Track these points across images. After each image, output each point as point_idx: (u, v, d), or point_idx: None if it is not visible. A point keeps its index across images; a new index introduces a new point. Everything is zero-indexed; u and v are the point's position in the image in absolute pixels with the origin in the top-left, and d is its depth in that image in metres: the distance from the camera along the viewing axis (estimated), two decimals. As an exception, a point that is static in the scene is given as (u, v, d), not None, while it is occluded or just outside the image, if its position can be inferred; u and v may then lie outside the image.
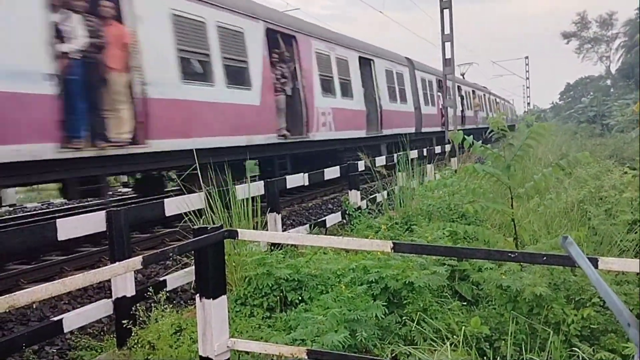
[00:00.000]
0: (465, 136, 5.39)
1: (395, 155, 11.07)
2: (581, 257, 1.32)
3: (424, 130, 21.98)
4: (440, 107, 24.08)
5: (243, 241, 5.47)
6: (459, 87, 26.79)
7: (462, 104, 29.19)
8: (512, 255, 2.64)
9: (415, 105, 21.16)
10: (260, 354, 3.65)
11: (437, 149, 14.87)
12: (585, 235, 5.95)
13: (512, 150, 5.33)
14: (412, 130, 20.17)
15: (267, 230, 6.64)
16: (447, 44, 18.68)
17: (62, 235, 4.20)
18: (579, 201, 7.40)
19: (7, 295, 2.21)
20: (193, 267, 4.14)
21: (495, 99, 45.31)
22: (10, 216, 12.29)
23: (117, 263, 2.77)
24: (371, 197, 10.12)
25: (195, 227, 3.25)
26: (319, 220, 8.66)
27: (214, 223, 5.36)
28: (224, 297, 3.26)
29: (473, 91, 34.68)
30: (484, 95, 39.04)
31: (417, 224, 7.28)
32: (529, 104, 65.54)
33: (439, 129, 23.79)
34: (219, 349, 3.20)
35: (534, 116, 6.98)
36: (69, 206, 12.58)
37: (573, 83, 74.16)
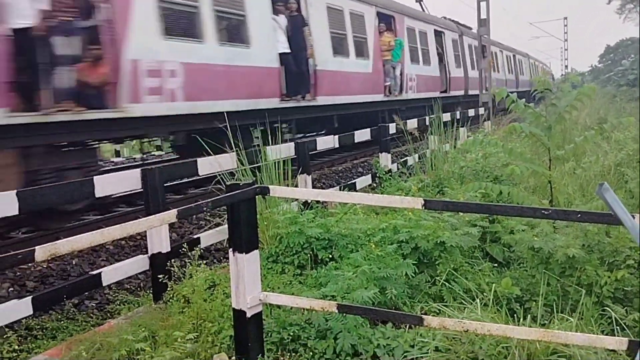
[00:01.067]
0: (509, 93, 5.27)
1: (427, 117, 10.95)
2: (616, 203, 1.30)
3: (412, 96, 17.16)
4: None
5: (274, 200, 5.54)
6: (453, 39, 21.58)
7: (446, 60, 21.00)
8: (546, 213, 2.61)
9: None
10: (291, 308, 3.72)
11: (471, 112, 14.64)
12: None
13: (556, 111, 5.20)
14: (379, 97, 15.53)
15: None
16: (483, 4, 18.11)
17: (99, 192, 4.30)
18: (616, 164, 7.22)
19: (48, 244, 2.29)
20: (225, 226, 4.22)
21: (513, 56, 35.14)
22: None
23: (154, 215, 2.84)
24: (402, 160, 10.06)
25: (228, 183, 3.29)
26: (348, 182, 8.68)
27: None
28: (256, 251, 3.32)
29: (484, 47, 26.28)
30: (499, 51, 29.56)
31: (449, 186, 7.22)
32: (567, 66, 63.62)
33: (437, 94, 19.06)
34: (251, 301, 3.27)
35: (578, 77, 6.73)
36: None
37: (613, 45, 71.36)
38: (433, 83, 19.13)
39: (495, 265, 4.82)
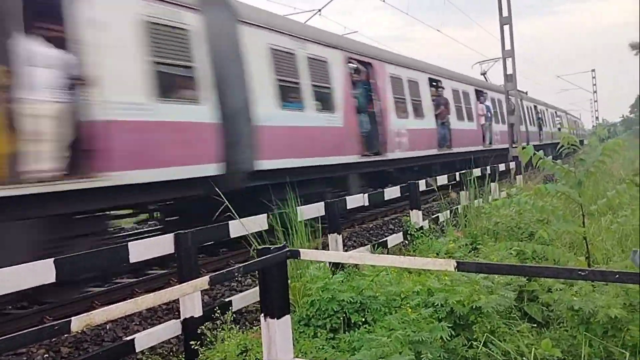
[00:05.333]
0: (535, 152, 5.24)
1: (457, 173, 10.92)
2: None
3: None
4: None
5: (305, 261, 5.52)
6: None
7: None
8: (582, 274, 2.55)
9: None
10: (324, 374, 3.65)
11: (502, 167, 14.55)
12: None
13: (584, 166, 5.14)
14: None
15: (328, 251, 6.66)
16: (508, 60, 18.30)
17: (133, 258, 4.37)
18: (655, 217, 7.01)
19: (84, 314, 2.33)
20: (257, 288, 4.22)
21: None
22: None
23: (186, 283, 2.87)
24: (433, 216, 9.98)
25: (259, 247, 3.32)
26: (380, 240, 8.61)
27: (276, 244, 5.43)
28: (288, 316, 3.30)
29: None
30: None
31: (482, 244, 7.11)
32: (597, 118, 63.11)
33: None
34: (284, 368, 3.23)
35: (605, 130, 6.68)
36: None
37: (645, 95, 70.67)
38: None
39: (534, 325, 4.67)
